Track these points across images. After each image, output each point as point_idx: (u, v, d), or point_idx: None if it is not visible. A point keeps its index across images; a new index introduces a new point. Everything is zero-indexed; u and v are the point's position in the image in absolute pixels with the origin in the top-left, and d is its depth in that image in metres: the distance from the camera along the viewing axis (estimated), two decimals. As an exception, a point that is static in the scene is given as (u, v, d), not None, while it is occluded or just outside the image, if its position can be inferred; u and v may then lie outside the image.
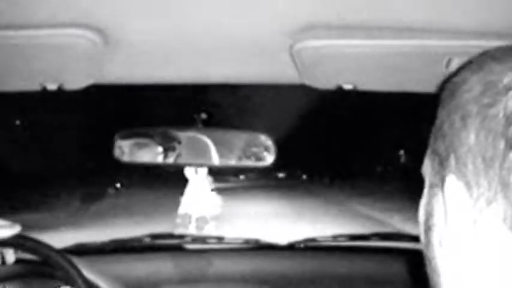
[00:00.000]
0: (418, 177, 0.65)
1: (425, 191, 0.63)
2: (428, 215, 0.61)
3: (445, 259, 0.58)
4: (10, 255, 1.23)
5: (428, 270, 0.62)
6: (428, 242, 0.60)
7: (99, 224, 14.09)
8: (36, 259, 1.33)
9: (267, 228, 11.91)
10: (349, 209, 18.20)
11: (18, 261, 1.46)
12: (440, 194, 0.59)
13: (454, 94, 0.58)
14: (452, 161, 0.56)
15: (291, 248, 1.88)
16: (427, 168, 0.63)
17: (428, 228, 0.60)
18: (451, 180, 0.56)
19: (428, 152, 0.63)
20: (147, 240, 1.89)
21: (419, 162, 0.66)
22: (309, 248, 1.90)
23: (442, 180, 0.58)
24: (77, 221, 14.67)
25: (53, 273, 1.45)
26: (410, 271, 1.71)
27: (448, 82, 0.61)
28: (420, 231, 0.64)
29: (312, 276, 1.70)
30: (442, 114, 0.60)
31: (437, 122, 0.60)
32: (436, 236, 0.59)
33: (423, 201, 0.63)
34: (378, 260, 1.79)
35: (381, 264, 1.76)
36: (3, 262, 0.95)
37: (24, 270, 1.48)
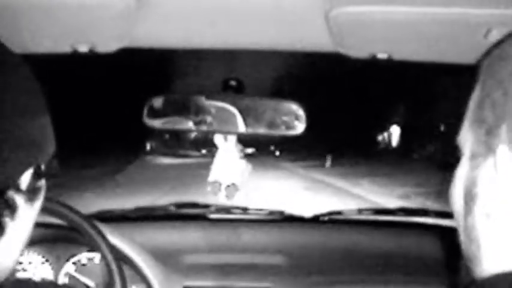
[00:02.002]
0: (455, 151, 0.63)
1: (465, 160, 0.61)
2: (470, 185, 0.59)
3: (491, 230, 0.56)
4: None
5: (464, 241, 0.61)
6: (469, 212, 0.59)
7: (124, 191, 14.30)
8: (61, 223, 1.35)
9: (292, 201, 11.96)
10: (375, 183, 18.17)
11: (42, 225, 1.49)
12: (486, 163, 0.57)
13: (506, 61, 0.56)
14: (503, 130, 0.55)
15: (316, 220, 1.88)
16: (467, 138, 0.61)
17: (469, 199, 0.59)
18: (503, 150, 0.55)
19: (469, 121, 0.61)
20: (172, 209, 1.90)
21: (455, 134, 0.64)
22: (333, 221, 1.89)
23: (490, 150, 0.56)
24: (101, 187, 14.93)
25: (77, 238, 1.48)
26: (434, 246, 1.70)
27: (497, 48, 0.59)
28: (454, 202, 0.63)
29: (335, 249, 1.70)
30: (489, 82, 0.58)
31: (484, 90, 0.59)
32: (480, 207, 0.58)
33: (462, 171, 0.62)
34: (402, 234, 1.78)
35: (405, 239, 1.75)
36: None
37: (49, 234, 1.51)
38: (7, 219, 0.62)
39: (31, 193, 0.65)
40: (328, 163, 21.42)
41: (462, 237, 0.62)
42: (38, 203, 0.68)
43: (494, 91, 0.57)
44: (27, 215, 0.66)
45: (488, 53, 0.63)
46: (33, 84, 0.65)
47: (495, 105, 0.56)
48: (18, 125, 0.60)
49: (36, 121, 0.64)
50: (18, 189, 0.63)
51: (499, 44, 0.62)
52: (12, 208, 0.62)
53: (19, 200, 0.63)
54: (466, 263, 0.61)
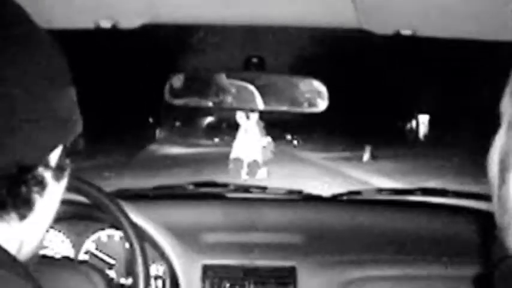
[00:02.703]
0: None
1: (503, 129, 0.60)
2: (506, 155, 0.58)
3: None
4: None
5: (498, 211, 0.60)
6: (503, 182, 0.58)
7: (143, 171, 14.41)
8: (81, 200, 1.36)
9: (311, 180, 11.93)
10: (378, 160, 18.09)
11: (62, 202, 1.50)
12: None
13: None
14: None
15: (334, 200, 1.87)
16: (507, 108, 0.60)
17: (504, 168, 0.58)
18: None
19: (510, 91, 0.60)
20: (190, 187, 1.90)
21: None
22: (352, 201, 1.88)
23: None
24: (120, 166, 15.05)
25: (97, 216, 1.49)
26: (453, 226, 1.68)
27: None
28: (490, 172, 0.62)
29: (355, 229, 1.69)
30: None
31: None
32: None
33: (500, 141, 0.61)
34: (421, 214, 1.76)
35: (424, 219, 1.74)
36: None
37: (70, 212, 1.52)
38: (36, 196, 0.62)
39: (59, 170, 0.66)
40: (366, 156, 20.10)
41: (496, 207, 0.60)
42: (65, 180, 0.68)
43: None
44: (54, 192, 0.66)
45: None
46: (61, 60, 0.65)
47: None
48: (48, 102, 0.61)
49: (65, 98, 0.64)
50: (47, 167, 0.63)
51: None
52: (41, 185, 0.63)
53: (48, 177, 0.64)
54: (499, 233, 0.61)
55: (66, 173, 0.67)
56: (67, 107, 0.64)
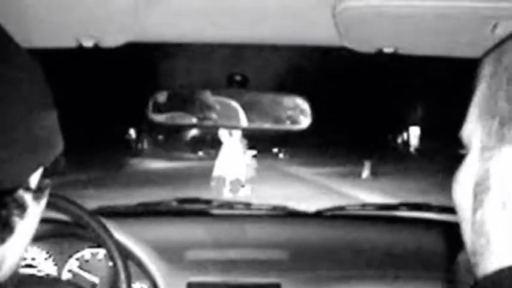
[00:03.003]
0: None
1: (474, 154, 0.61)
2: (482, 178, 0.59)
3: (506, 221, 0.56)
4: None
5: (471, 236, 0.60)
6: (479, 206, 0.58)
7: (125, 187, 14.26)
8: (64, 219, 1.35)
9: (295, 195, 11.87)
10: (379, 177, 18.04)
11: (45, 220, 1.49)
12: (500, 154, 0.57)
13: None
14: None
15: (319, 215, 1.87)
16: (475, 131, 0.61)
17: (480, 192, 0.59)
18: None
19: (478, 114, 0.61)
20: (174, 204, 1.90)
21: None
22: (336, 216, 1.89)
23: (503, 140, 0.56)
24: (102, 183, 14.90)
25: (80, 234, 1.47)
26: (437, 241, 1.69)
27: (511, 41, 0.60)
28: (458, 197, 0.62)
29: (339, 244, 1.70)
30: (503, 75, 0.58)
31: (495, 83, 0.59)
32: (494, 199, 0.57)
33: (469, 165, 0.61)
34: (405, 230, 1.77)
35: (408, 234, 1.75)
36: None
37: (53, 230, 1.51)
38: (17, 219, 0.62)
39: (39, 191, 0.65)
40: (366, 172, 18.99)
41: (468, 233, 0.61)
42: (44, 200, 0.67)
43: (509, 84, 0.57)
44: (34, 212, 0.66)
45: (496, 45, 0.63)
46: (41, 80, 0.65)
47: (510, 97, 0.56)
48: (29, 124, 0.60)
49: (46, 119, 0.63)
50: (27, 189, 0.62)
51: (507, 39, 0.61)
52: (22, 208, 0.62)
53: (28, 199, 0.63)
54: (471, 259, 0.61)
55: (46, 193, 0.67)
56: (48, 128, 0.63)
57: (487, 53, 0.63)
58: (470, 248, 0.61)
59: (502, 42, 0.62)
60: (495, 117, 0.58)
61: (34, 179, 0.63)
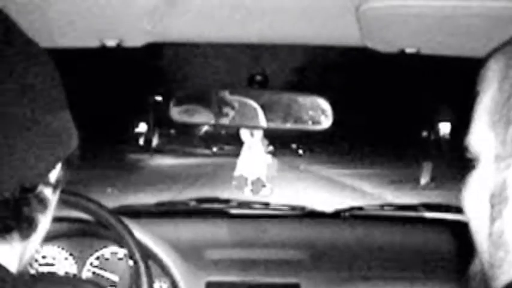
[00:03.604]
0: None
1: (487, 163, 0.58)
2: (499, 189, 0.56)
3: None
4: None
5: (488, 246, 0.58)
6: (498, 216, 0.56)
7: (146, 186, 14.31)
8: (85, 218, 1.36)
9: (314, 196, 11.82)
10: (398, 178, 17.79)
11: (66, 219, 1.50)
12: None
13: None
14: None
15: (337, 216, 1.87)
16: (488, 139, 0.58)
17: (498, 202, 0.56)
18: None
19: (490, 121, 0.58)
20: (193, 204, 1.90)
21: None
22: (355, 216, 1.88)
23: None
24: (123, 182, 15.00)
25: (102, 233, 1.49)
26: (456, 242, 1.67)
27: None
28: (471, 208, 0.60)
29: (357, 245, 1.69)
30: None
31: (507, 89, 0.56)
32: None
33: (483, 175, 0.59)
34: (425, 230, 1.75)
35: (427, 234, 1.73)
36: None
37: (74, 229, 1.52)
38: (39, 215, 0.63)
39: (58, 185, 0.66)
40: (425, 178, 16.96)
41: (484, 244, 0.59)
42: (59, 192, 0.68)
43: None
44: (53, 206, 0.67)
45: (499, 49, 0.60)
46: (57, 78, 0.65)
47: None
48: (47, 120, 0.61)
49: (62, 115, 0.64)
50: (47, 184, 0.63)
51: None
52: (43, 203, 0.63)
53: (49, 194, 0.64)
54: (488, 271, 0.59)
55: (61, 185, 0.67)
56: (63, 124, 0.64)
57: (492, 53, 0.60)
58: (487, 260, 0.59)
59: (510, 42, 0.59)
60: (510, 125, 0.55)
61: (53, 174, 0.64)
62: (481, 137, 0.59)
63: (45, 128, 0.60)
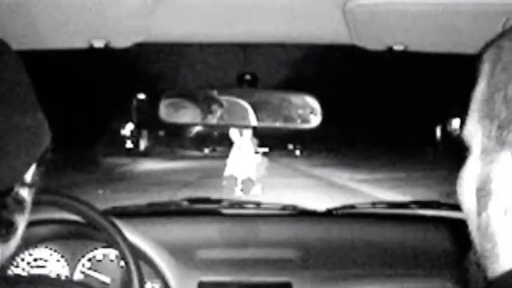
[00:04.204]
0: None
1: (475, 156, 0.59)
2: (484, 181, 0.57)
3: (509, 226, 0.55)
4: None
5: (478, 238, 0.59)
6: (483, 209, 0.57)
7: (136, 187, 14.18)
8: (76, 219, 1.36)
9: (305, 194, 11.80)
10: (390, 175, 17.79)
11: (57, 221, 1.50)
12: (500, 158, 0.55)
13: None
14: None
15: (329, 214, 1.87)
16: (476, 133, 0.59)
17: (483, 195, 0.57)
18: None
19: (478, 115, 0.59)
20: (185, 204, 1.90)
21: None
22: (347, 214, 1.88)
23: (503, 145, 0.54)
24: (114, 183, 14.86)
25: (92, 235, 1.48)
26: (449, 239, 1.68)
27: (508, 39, 0.57)
28: (464, 199, 0.61)
29: (349, 243, 1.69)
30: (500, 76, 0.56)
31: (493, 83, 0.56)
32: (496, 203, 0.56)
33: (472, 167, 0.59)
34: (417, 228, 1.76)
35: (419, 232, 1.74)
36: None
37: (65, 231, 1.52)
38: (18, 216, 0.62)
39: (33, 186, 0.65)
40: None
41: (476, 235, 0.60)
42: (34, 190, 0.68)
43: (507, 85, 0.54)
44: (30, 207, 0.66)
45: (492, 43, 0.60)
46: (26, 78, 0.65)
47: (508, 100, 0.54)
48: (20, 120, 0.60)
49: (34, 115, 0.64)
50: (23, 185, 0.63)
51: (506, 34, 0.59)
52: (21, 204, 0.63)
53: (25, 194, 0.63)
54: (480, 260, 0.60)
55: (37, 184, 0.67)
56: (36, 122, 0.64)
57: (486, 47, 0.61)
58: (478, 250, 0.60)
59: (501, 36, 0.59)
60: (494, 121, 0.56)
61: (28, 174, 0.64)
62: (471, 131, 0.60)
63: (18, 129, 0.60)
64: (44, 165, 0.66)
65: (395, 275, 1.59)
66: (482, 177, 0.57)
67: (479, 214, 0.58)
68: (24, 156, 0.61)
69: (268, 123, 1.50)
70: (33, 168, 0.64)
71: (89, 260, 1.59)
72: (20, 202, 0.62)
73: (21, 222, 0.64)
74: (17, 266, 1.55)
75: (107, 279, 1.59)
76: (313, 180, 17.88)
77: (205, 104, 1.49)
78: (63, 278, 1.57)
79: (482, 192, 0.57)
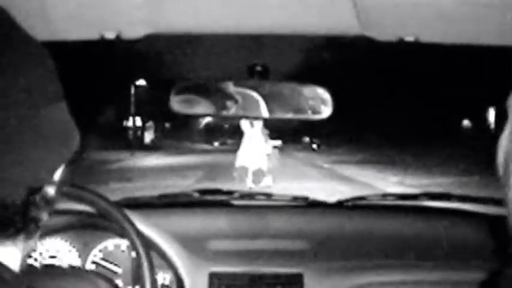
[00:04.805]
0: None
1: (508, 128, 0.59)
2: (508, 157, 0.57)
3: None
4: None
5: (509, 212, 0.58)
6: (506, 184, 0.56)
7: (148, 178, 14.12)
8: (88, 210, 1.37)
9: (317, 186, 11.72)
10: (399, 168, 17.63)
11: (69, 212, 1.51)
12: None
13: None
14: None
15: (340, 206, 1.87)
16: None
17: (508, 172, 0.56)
18: None
19: None
20: (196, 195, 1.91)
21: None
22: (357, 206, 1.88)
23: None
24: (126, 175, 14.83)
25: (103, 225, 1.49)
26: (457, 231, 1.68)
27: None
28: (499, 171, 0.60)
29: (360, 235, 1.69)
30: None
31: None
32: None
33: (504, 140, 0.59)
34: (426, 219, 1.76)
35: (429, 224, 1.73)
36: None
37: (76, 221, 1.53)
38: (45, 214, 0.63)
39: (62, 183, 0.66)
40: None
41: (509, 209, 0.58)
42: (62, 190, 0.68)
43: None
44: (56, 204, 0.67)
45: None
46: (56, 75, 0.65)
47: None
48: (50, 117, 0.60)
49: (63, 115, 0.64)
50: (53, 184, 0.64)
51: None
52: (49, 203, 0.63)
53: (53, 193, 0.64)
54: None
55: (66, 184, 0.68)
56: (66, 121, 0.64)
57: None
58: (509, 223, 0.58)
59: None
60: None
61: (57, 173, 0.64)
62: (510, 102, 0.60)
63: (49, 127, 0.60)
64: (72, 165, 0.67)
65: (405, 265, 1.60)
66: (508, 152, 0.57)
67: (505, 189, 0.57)
68: (54, 156, 0.61)
69: (279, 115, 1.50)
70: (62, 167, 0.65)
71: (100, 250, 1.61)
72: (47, 201, 0.63)
73: (45, 219, 0.64)
74: (29, 256, 1.57)
75: (119, 270, 1.60)
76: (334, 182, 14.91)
77: (217, 96, 1.49)
78: (75, 268, 1.58)
79: (507, 169, 0.57)
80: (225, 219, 1.73)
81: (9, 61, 0.57)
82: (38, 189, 0.60)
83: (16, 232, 0.59)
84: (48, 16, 1.07)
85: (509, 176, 0.56)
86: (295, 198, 1.89)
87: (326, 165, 20.85)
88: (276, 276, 1.59)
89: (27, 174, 0.57)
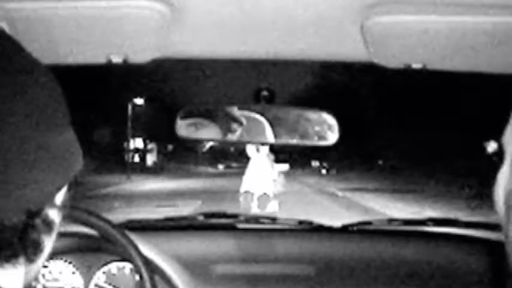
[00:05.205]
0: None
1: (506, 165, 0.58)
2: (510, 194, 0.55)
3: None
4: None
5: (509, 248, 0.57)
6: (509, 221, 0.55)
7: (151, 201, 14.07)
8: (91, 233, 1.36)
9: (321, 211, 11.64)
10: (406, 195, 17.55)
11: (72, 234, 1.50)
12: None
13: None
14: None
15: (345, 230, 1.86)
16: (509, 141, 0.58)
17: (510, 207, 0.55)
18: None
19: None
20: (200, 218, 1.90)
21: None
22: (363, 231, 1.87)
23: None
24: (129, 198, 14.80)
25: (107, 248, 1.48)
26: (463, 257, 1.67)
27: None
28: (498, 208, 0.59)
29: (365, 260, 1.68)
30: None
31: None
32: None
33: (503, 177, 0.58)
34: (432, 245, 1.74)
35: (435, 249, 1.72)
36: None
37: (80, 244, 1.52)
38: (46, 237, 0.62)
39: (63, 206, 0.65)
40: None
41: (508, 247, 0.57)
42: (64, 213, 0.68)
43: None
44: (58, 227, 0.66)
45: None
46: (61, 97, 0.64)
47: None
48: (52, 141, 0.60)
49: (67, 135, 0.63)
50: (53, 206, 0.62)
51: None
52: (50, 226, 0.62)
53: (55, 216, 0.63)
54: None
55: (67, 205, 0.67)
56: (69, 142, 0.63)
57: None
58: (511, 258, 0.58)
59: None
60: None
61: (59, 196, 0.63)
62: (506, 137, 0.59)
63: (51, 150, 0.59)
64: (74, 187, 0.66)
65: None
66: (509, 189, 0.56)
67: (506, 225, 0.57)
68: (55, 178, 0.60)
69: (285, 140, 1.50)
70: (64, 190, 0.64)
71: (104, 273, 1.60)
72: (48, 224, 0.62)
73: (49, 243, 0.63)
74: (35, 280, 1.55)
75: None
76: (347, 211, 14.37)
77: (224, 121, 1.49)
78: None
79: (509, 204, 0.56)
80: (230, 243, 1.72)
81: (15, 85, 0.57)
82: (38, 212, 0.60)
83: (14, 255, 0.59)
84: (55, 40, 1.07)
85: (510, 212, 0.55)
86: (300, 223, 1.88)
87: (340, 193, 20.61)
88: None
89: (27, 197, 0.56)
